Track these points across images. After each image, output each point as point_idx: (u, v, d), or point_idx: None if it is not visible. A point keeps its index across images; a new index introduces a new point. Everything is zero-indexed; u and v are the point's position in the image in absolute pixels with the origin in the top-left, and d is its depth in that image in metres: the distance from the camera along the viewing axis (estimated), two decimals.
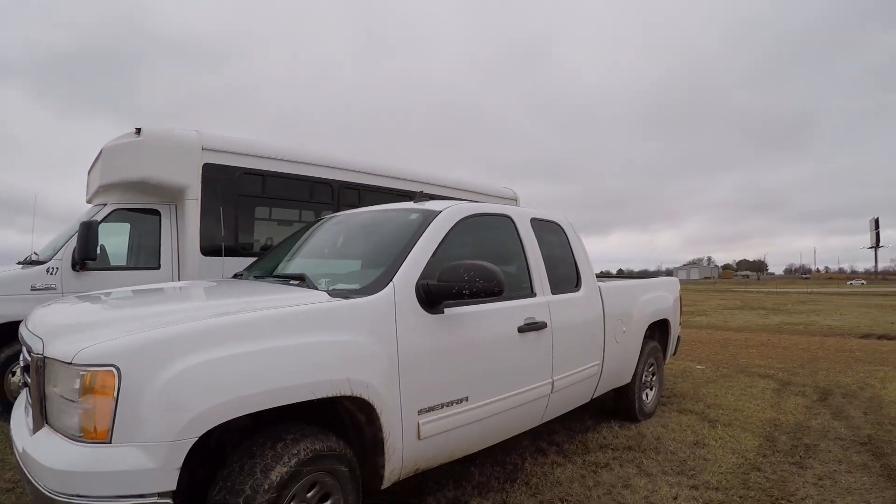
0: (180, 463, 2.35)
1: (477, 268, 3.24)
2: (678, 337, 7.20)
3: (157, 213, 6.82)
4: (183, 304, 3.20)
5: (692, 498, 4.15)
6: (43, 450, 2.41)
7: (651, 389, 6.41)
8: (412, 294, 3.31)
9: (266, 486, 2.54)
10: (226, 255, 6.56)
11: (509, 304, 3.99)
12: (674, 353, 7.21)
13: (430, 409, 3.32)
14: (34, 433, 2.58)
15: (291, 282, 3.70)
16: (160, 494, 2.31)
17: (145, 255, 6.87)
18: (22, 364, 3.08)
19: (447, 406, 3.42)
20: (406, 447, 3.21)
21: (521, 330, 3.99)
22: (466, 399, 3.54)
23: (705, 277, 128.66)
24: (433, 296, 3.32)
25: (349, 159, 8.06)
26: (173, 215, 6.83)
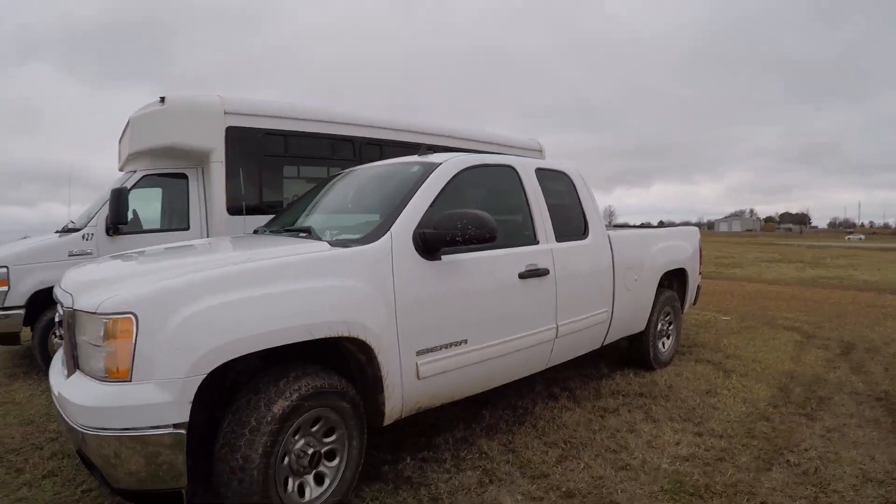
0: (192, 397, 2.62)
1: (469, 216, 3.42)
2: (698, 287, 7.28)
3: (184, 176, 7.11)
4: (197, 258, 3.45)
5: (694, 444, 4.28)
6: (74, 391, 2.72)
7: (668, 338, 6.55)
8: (409, 242, 3.51)
9: (269, 418, 2.81)
10: (251, 214, 6.81)
11: (510, 252, 4.17)
12: (693, 303, 7.31)
13: (429, 350, 3.54)
14: (67, 378, 2.89)
15: (300, 234, 3.94)
16: (175, 426, 2.59)
17: (175, 217, 7.20)
18: (57, 319, 3.39)
19: (446, 348, 3.64)
20: (406, 386, 3.45)
21: (521, 276, 4.16)
22: (465, 342, 3.75)
23: (747, 230, 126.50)
24: (430, 243, 3.52)
25: (370, 116, 8.22)
26: (200, 178, 7.12)
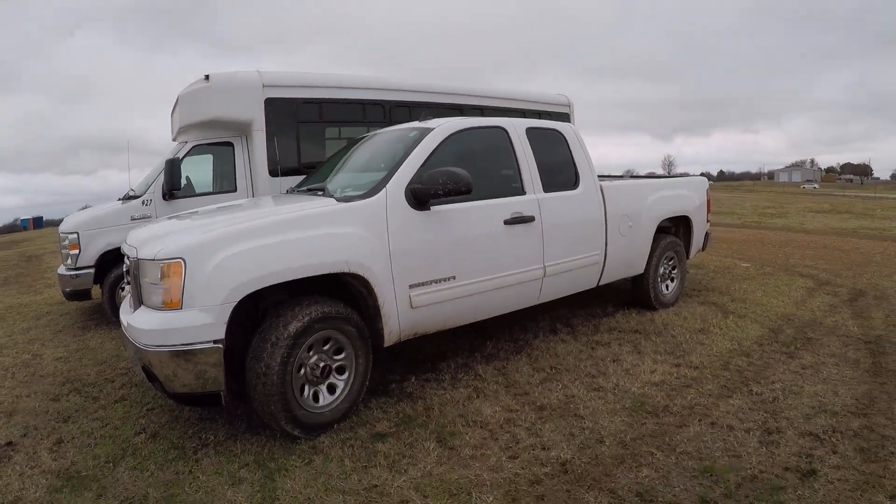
0: (227, 319, 3.53)
1: (448, 173, 4.22)
2: (707, 234, 7.82)
3: (230, 144, 7.97)
4: (233, 215, 4.30)
5: (668, 373, 4.87)
6: (139, 319, 3.67)
7: (672, 281, 7.18)
8: (402, 196, 4.32)
9: (285, 335, 3.70)
10: (293, 175, 7.60)
11: (496, 202, 4.91)
12: (702, 249, 7.85)
13: (421, 284, 4.36)
14: (133, 312, 3.82)
15: (317, 193, 4.81)
16: (214, 341, 3.51)
17: (224, 181, 8.13)
18: (124, 269, 4.38)
19: (435, 283, 4.45)
20: (401, 314, 4.29)
21: (507, 222, 4.90)
22: (454, 278, 4.55)
23: (807, 180, 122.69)
24: (419, 196, 4.32)
25: (398, 80, 8.95)
26: (244, 145, 7.97)
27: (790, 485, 3.23)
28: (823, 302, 7.33)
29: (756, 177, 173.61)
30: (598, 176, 6.55)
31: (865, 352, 5.40)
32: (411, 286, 4.30)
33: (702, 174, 8.42)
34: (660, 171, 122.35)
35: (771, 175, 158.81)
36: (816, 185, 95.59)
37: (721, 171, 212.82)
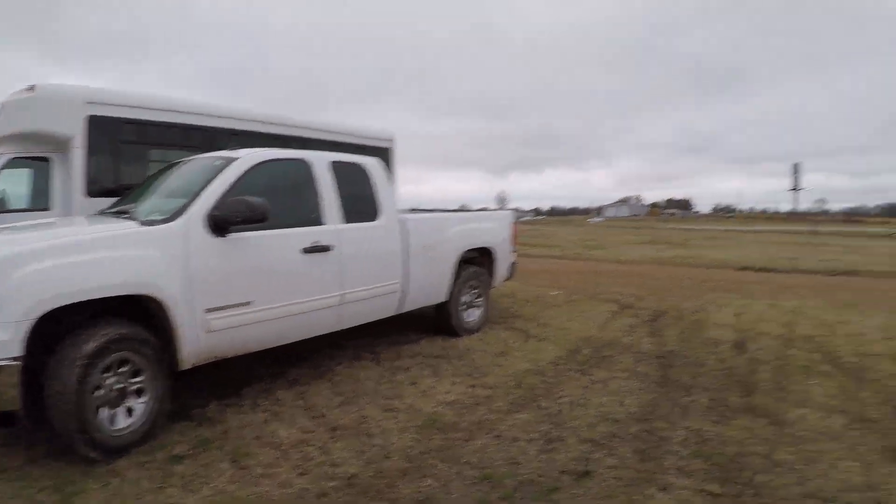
0: (24, 337, 3.71)
1: (246, 202, 4.67)
2: (513, 264, 8.58)
3: (48, 160, 7.89)
4: (37, 233, 4.54)
5: (463, 393, 5.40)
6: None
7: (477, 309, 7.89)
8: (201, 222, 4.68)
9: (81, 355, 3.95)
10: (110, 195, 7.64)
11: (295, 231, 5.39)
12: (509, 278, 8.60)
13: (218, 308, 4.74)
14: None
15: (122, 215, 5.12)
16: (12, 359, 3.69)
17: (39, 198, 8.00)
18: None
19: (232, 307, 4.84)
20: (199, 337, 4.64)
21: (306, 251, 5.39)
22: (250, 303, 4.96)
23: (633, 214, 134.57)
24: (218, 223, 4.71)
25: (224, 107, 9.23)
26: (62, 162, 7.92)
27: (565, 485, 3.79)
28: (624, 324, 8.18)
29: (585, 212, 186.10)
30: (412, 209, 7.07)
31: (656, 365, 6.12)
32: (208, 310, 4.66)
33: (534, 209, 9.10)
34: (493, 206, 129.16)
35: (599, 210, 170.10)
36: (600, 219, 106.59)
37: (552, 206, 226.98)
